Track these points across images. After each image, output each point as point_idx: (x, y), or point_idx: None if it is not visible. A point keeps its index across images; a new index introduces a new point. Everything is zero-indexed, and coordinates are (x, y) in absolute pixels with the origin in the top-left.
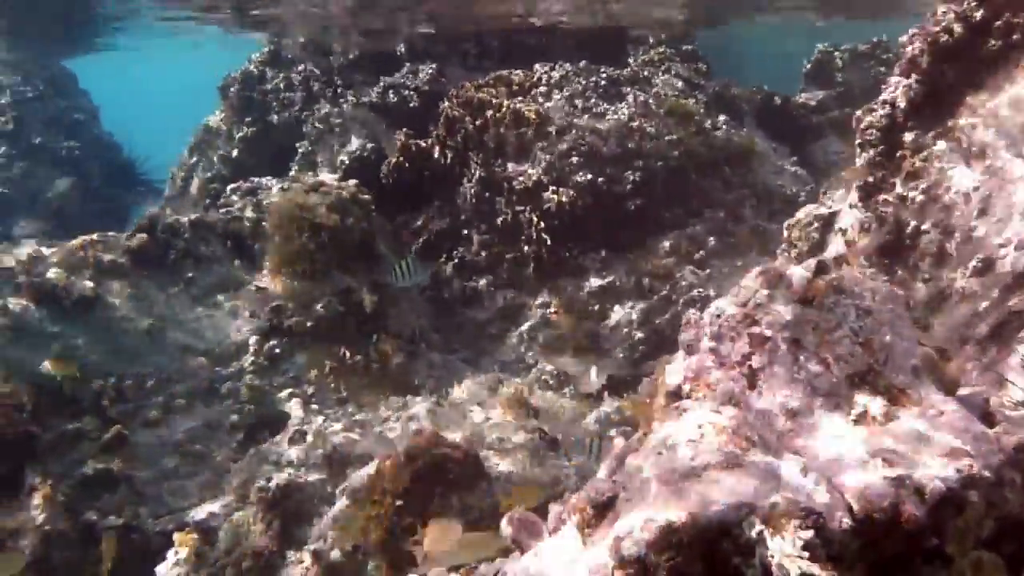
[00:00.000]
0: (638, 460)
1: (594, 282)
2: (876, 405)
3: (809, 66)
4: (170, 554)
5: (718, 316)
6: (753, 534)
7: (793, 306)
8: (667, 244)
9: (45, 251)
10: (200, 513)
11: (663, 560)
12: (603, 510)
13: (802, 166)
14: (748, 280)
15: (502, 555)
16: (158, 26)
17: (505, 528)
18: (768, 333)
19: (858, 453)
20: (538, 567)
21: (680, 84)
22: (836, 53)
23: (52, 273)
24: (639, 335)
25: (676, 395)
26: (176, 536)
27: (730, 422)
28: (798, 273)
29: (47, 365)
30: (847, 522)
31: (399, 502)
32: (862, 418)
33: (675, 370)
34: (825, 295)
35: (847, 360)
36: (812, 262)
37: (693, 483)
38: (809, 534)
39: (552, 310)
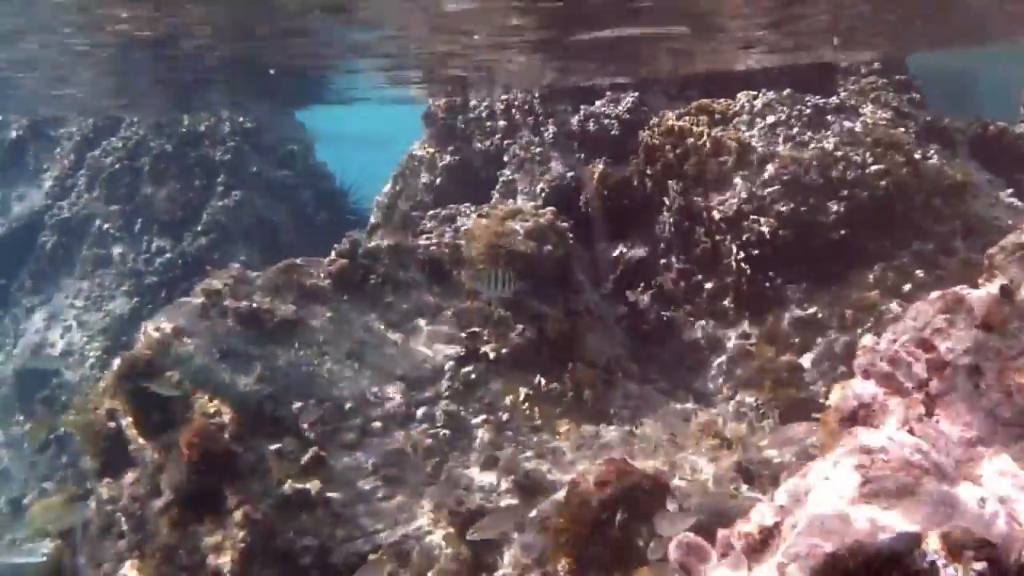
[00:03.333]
0: (805, 485)
1: (795, 313)
2: None
3: None
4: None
5: (894, 341)
6: (925, 564)
7: (974, 331)
8: (872, 276)
9: (251, 274)
10: (394, 536)
11: None
12: (768, 536)
13: (1020, 198)
14: (926, 304)
15: None
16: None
17: (673, 552)
18: (947, 359)
19: None
20: None
21: (889, 113)
22: None
23: (256, 296)
24: (842, 369)
25: (851, 420)
26: (371, 559)
27: (904, 449)
28: (979, 297)
29: None
30: None
31: (588, 531)
32: None
33: (850, 394)
34: (1008, 320)
35: None
36: (995, 285)
37: (862, 510)
38: (982, 565)
39: (751, 341)
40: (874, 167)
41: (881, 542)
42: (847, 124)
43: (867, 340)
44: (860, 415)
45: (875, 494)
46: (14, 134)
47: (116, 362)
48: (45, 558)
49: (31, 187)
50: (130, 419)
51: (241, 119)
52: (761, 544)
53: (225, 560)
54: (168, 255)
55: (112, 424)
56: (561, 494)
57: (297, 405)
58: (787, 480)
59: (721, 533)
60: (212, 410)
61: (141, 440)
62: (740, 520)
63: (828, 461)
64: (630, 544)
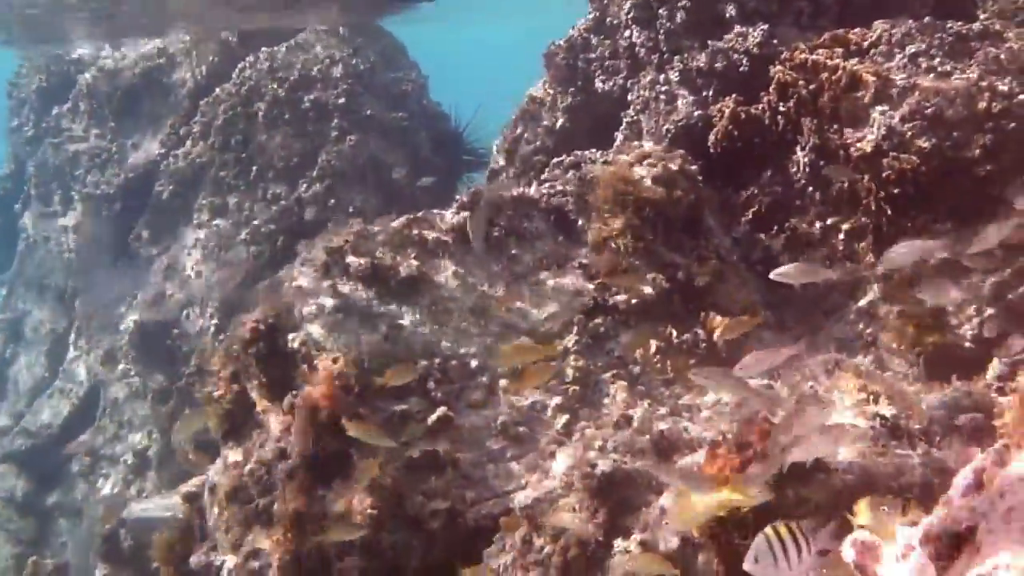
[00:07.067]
0: (1003, 485)
1: (939, 254)
2: None
3: None
4: (497, 538)
5: None
6: None
7: None
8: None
9: (372, 229)
10: (525, 498)
11: None
12: (959, 542)
13: None
14: None
15: None
16: None
17: (848, 551)
18: None
19: None
20: None
21: None
22: None
23: (379, 252)
24: (989, 311)
25: None
26: (502, 521)
27: None
28: None
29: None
30: None
31: None
32: None
33: None
34: None
35: None
36: None
37: None
38: None
39: (893, 284)
40: (1021, 96)
41: None
42: (992, 51)
43: None
44: None
45: None
46: (127, 82)
47: (239, 324)
48: (180, 513)
49: (145, 136)
50: (254, 382)
51: (355, 61)
52: (951, 550)
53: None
54: (284, 202)
55: (236, 386)
56: (700, 455)
57: (422, 364)
58: (975, 468)
59: (902, 532)
60: (337, 371)
61: (266, 403)
62: (924, 519)
63: None
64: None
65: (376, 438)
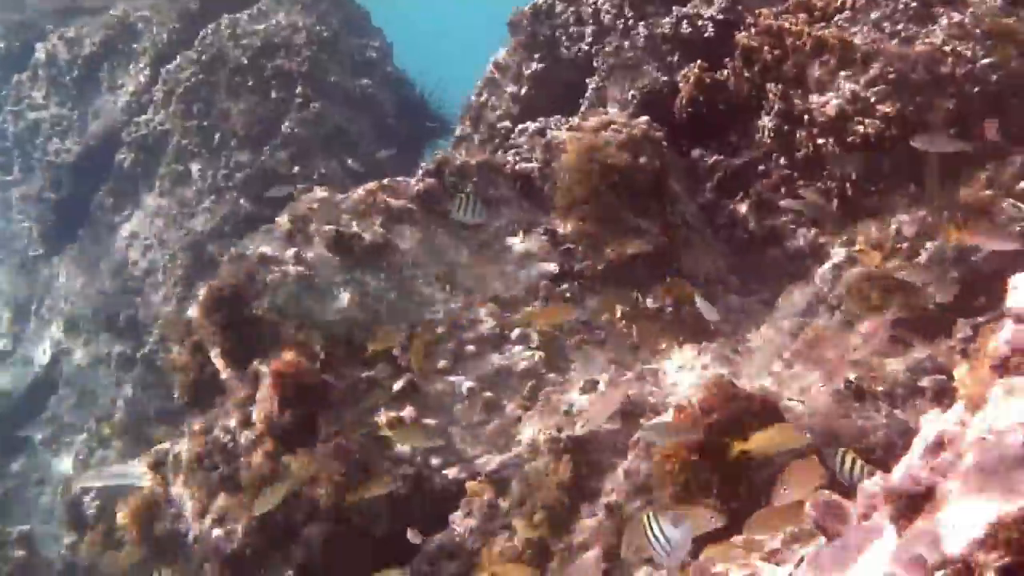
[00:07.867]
0: (959, 444)
1: (903, 217)
2: None
3: None
4: (462, 503)
5: None
6: None
7: None
8: (984, 176)
9: (337, 197)
10: (491, 463)
11: (991, 559)
12: (920, 501)
13: None
14: None
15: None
16: None
17: (810, 511)
18: None
19: None
20: (846, 558)
21: (999, 2)
22: None
23: (343, 219)
24: (953, 274)
25: (1003, 368)
26: (468, 485)
27: None
28: None
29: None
30: None
31: (694, 456)
32: None
33: (1001, 340)
34: None
35: None
36: None
37: None
38: None
39: (857, 248)
40: (985, 60)
41: None
42: (955, 16)
43: (1018, 281)
44: (1012, 364)
45: None
46: (88, 50)
47: (202, 292)
48: (137, 482)
49: (107, 103)
50: (218, 350)
51: (319, 27)
52: (911, 510)
53: (321, 492)
54: (248, 170)
55: (199, 354)
56: (665, 418)
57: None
58: (933, 430)
59: (863, 490)
60: (302, 339)
61: (229, 371)
62: (884, 479)
63: (981, 417)
64: (739, 471)
65: (420, 438)
